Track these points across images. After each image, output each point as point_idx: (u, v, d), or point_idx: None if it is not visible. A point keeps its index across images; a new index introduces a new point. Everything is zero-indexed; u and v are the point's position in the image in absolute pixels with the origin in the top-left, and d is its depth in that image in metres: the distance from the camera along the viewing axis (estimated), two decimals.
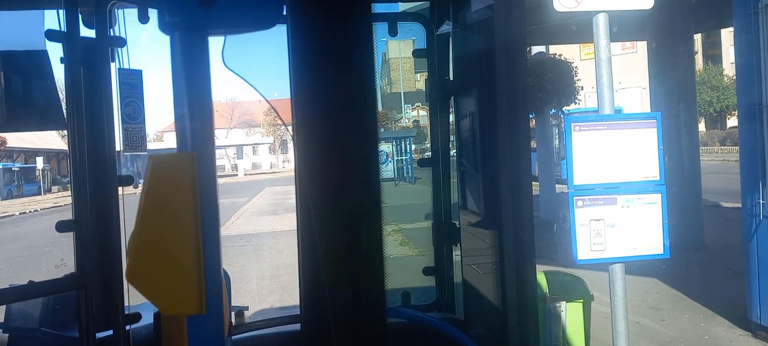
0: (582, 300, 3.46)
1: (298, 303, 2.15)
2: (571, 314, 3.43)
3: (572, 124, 3.35)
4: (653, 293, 7.08)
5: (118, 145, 2.21)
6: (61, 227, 2.04)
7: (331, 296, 0.89)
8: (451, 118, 2.62)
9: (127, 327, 2.14)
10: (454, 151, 2.65)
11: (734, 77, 11.67)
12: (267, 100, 1.00)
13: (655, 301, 6.82)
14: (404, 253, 10.46)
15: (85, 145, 2.04)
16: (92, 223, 2.07)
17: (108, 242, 2.13)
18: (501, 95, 2.08)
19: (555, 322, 3.35)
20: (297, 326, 2.28)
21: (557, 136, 19.08)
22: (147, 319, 2.23)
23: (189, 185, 0.87)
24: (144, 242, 0.87)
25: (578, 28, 10.02)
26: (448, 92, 2.56)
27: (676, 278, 7.32)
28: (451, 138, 2.64)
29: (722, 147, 33.02)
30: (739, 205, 5.97)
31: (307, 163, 0.90)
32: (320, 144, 0.90)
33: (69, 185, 2.25)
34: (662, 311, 6.50)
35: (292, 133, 0.89)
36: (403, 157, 29.62)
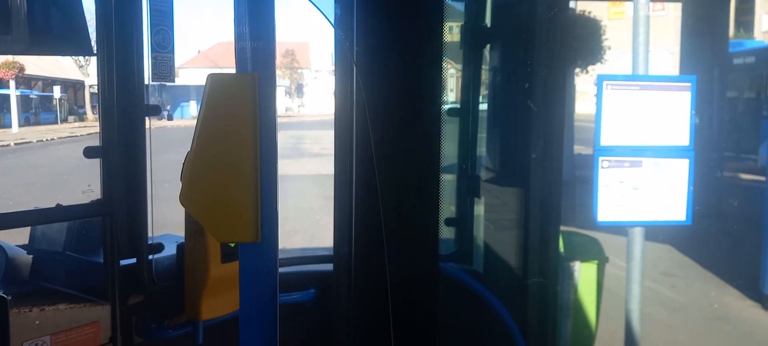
0: (597, 261, 3.45)
1: (314, 246, 2.15)
2: (584, 274, 3.43)
3: (604, 82, 3.26)
4: (666, 259, 7.05)
5: (146, 74, 2.18)
6: (89, 153, 2.03)
7: (388, 239, 0.85)
8: (484, 67, 2.55)
9: (150, 257, 2.16)
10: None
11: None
12: (334, 26, 0.94)
13: (668, 267, 6.81)
14: None
15: (114, 73, 2.02)
16: (119, 151, 2.07)
17: (134, 170, 2.13)
18: (539, 48, 2.02)
19: (568, 281, 3.35)
20: (320, 267, 2.30)
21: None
22: (170, 250, 2.25)
23: (249, 107, 0.81)
24: (200, 164, 0.82)
25: None
26: (484, 40, 2.47)
27: (690, 245, 7.28)
28: (482, 88, 2.58)
29: None
30: (760, 177, 5.86)
31: (372, 101, 0.84)
32: (388, 82, 0.84)
33: (85, 116, 2.22)
34: (674, 277, 6.49)
35: (354, 64, 0.84)
36: None
